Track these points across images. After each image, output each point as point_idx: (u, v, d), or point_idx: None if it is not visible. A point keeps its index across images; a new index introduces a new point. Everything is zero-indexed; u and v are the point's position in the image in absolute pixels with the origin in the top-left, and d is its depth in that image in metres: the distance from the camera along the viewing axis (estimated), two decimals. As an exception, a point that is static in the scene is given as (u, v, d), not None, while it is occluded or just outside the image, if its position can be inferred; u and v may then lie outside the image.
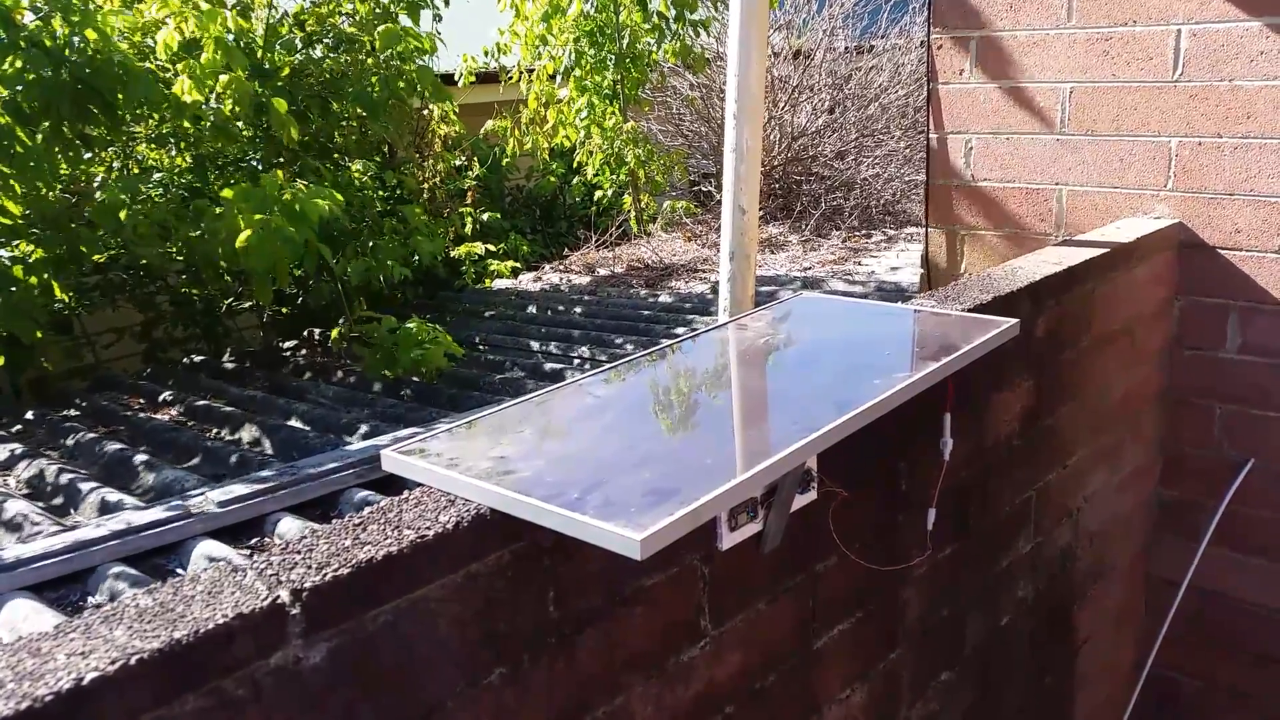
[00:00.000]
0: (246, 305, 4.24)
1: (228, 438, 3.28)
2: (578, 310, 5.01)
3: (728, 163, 2.34)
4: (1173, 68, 2.57)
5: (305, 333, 4.82)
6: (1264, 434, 2.61)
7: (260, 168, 4.35)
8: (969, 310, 1.83)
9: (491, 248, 6.43)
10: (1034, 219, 2.89)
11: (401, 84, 4.61)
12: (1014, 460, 2.09)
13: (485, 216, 7.02)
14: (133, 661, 0.87)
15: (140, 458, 2.96)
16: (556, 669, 1.23)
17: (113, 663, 0.87)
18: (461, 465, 1.18)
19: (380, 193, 5.18)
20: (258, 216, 3.35)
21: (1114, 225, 2.65)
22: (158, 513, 2.49)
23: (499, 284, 6.13)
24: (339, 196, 3.70)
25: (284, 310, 4.78)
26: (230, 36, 4.01)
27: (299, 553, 1.05)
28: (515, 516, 1.10)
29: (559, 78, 7.42)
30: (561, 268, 6.51)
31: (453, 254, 6.19)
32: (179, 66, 3.93)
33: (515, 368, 3.90)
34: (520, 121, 7.59)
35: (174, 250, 4.11)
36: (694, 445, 1.31)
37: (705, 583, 1.42)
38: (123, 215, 3.75)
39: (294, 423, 3.28)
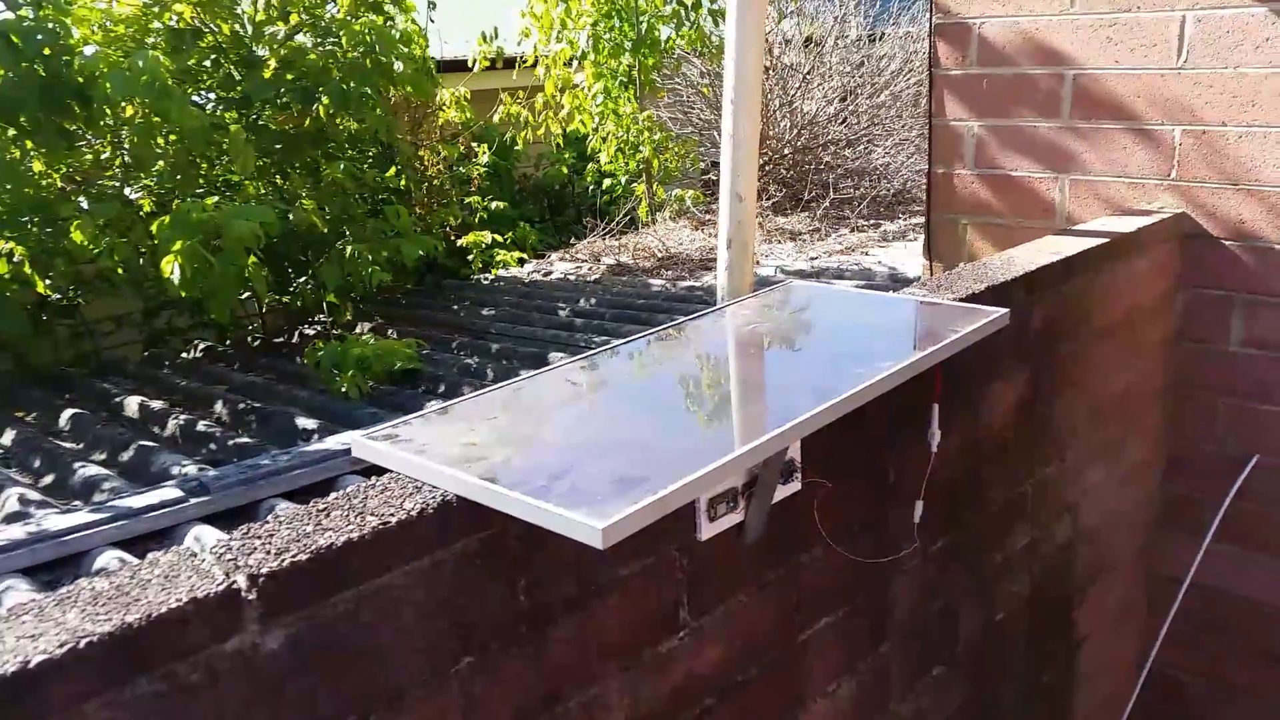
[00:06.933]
0: (245, 295, 4.25)
1: (227, 423, 3.28)
2: (582, 300, 5.00)
3: (725, 150, 2.31)
4: (1177, 54, 2.53)
5: (306, 323, 4.83)
6: (1268, 429, 2.57)
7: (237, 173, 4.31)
8: (960, 300, 1.80)
9: (499, 237, 6.41)
10: (1036, 208, 2.85)
11: (380, 79, 4.56)
12: (1008, 453, 2.06)
13: (493, 205, 7.00)
14: (81, 644, 0.87)
15: (138, 443, 2.97)
16: (527, 658, 1.21)
17: (61, 645, 0.86)
18: (430, 451, 1.16)
19: (367, 191, 5.12)
20: (179, 245, 3.30)
21: (1115, 215, 2.62)
22: (153, 497, 2.49)
23: (506, 273, 6.12)
24: (271, 214, 3.64)
25: (283, 300, 4.78)
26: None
27: (259, 538, 1.03)
28: (482, 504, 1.09)
29: (575, 63, 7.38)
30: (568, 257, 6.49)
31: (459, 243, 6.18)
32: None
33: (515, 357, 3.89)
34: (534, 107, 7.56)
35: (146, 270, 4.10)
36: (669, 433, 1.29)
37: (684, 573, 1.41)
38: (98, 246, 3.74)
39: (294, 409, 3.28)
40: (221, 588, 0.95)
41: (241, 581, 0.96)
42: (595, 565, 1.27)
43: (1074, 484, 2.34)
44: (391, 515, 1.06)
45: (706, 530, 1.40)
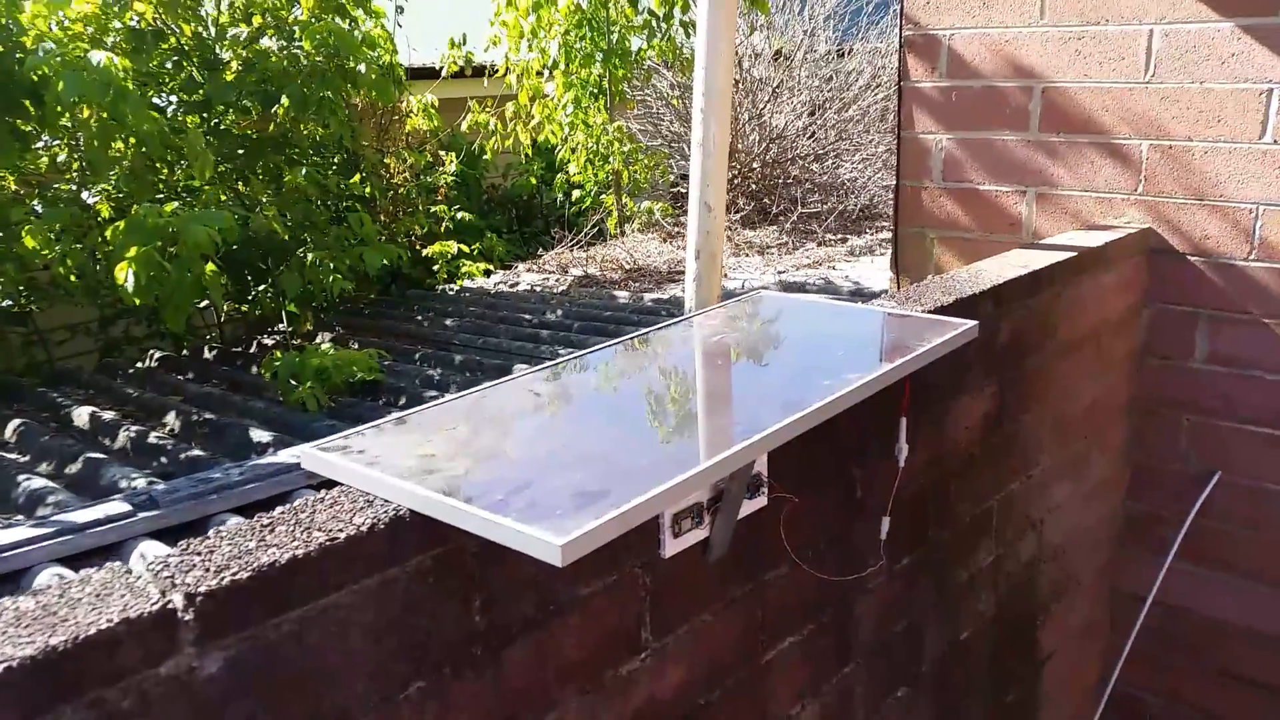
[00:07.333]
0: (203, 304, 4.14)
1: (179, 435, 3.19)
2: (548, 311, 4.95)
3: (694, 159, 2.28)
4: (1144, 69, 2.54)
5: (265, 333, 4.74)
6: (1231, 446, 2.58)
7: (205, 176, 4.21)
8: (929, 312, 1.78)
9: (465, 248, 6.34)
10: (1003, 222, 2.85)
11: (343, 83, 4.48)
12: (975, 469, 2.04)
13: (460, 215, 6.93)
14: (-1, 670, 0.81)
15: (87, 455, 2.88)
16: (482, 681, 1.16)
17: (-24, 672, 0.80)
18: (383, 464, 1.11)
19: (330, 197, 5.03)
20: (134, 251, 3.21)
21: (1083, 230, 2.62)
22: (99, 512, 2.40)
23: (473, 283, 6.05)
24: (230, 219, 3.57)
25: (242, 309, 4.69)
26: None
27: (199, 554, 0.98)
28: (437, 519, 1.04)
29: (546, 72, 7.34)
30: (535, 268, 6.44)
31: (425, 253, 6.10)
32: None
33: (479, 369, 3.83)
34: (503, 115, 7.51)
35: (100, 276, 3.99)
36: (633, 446, 1.25)
37: (647, 591, 1.36)
38: (51, 252, 3.64)
39: (250, 421, 3.20)
40: (156, 608, 0.90)
41: (178, 601, 0.91)
42: (555, 583, 1.23)
43: (1040, 500, 2.33)
44: (340, 531, 1.01)
45: (670, 547, 1.36)
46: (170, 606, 0.90)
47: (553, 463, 1.18)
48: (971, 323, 1.60)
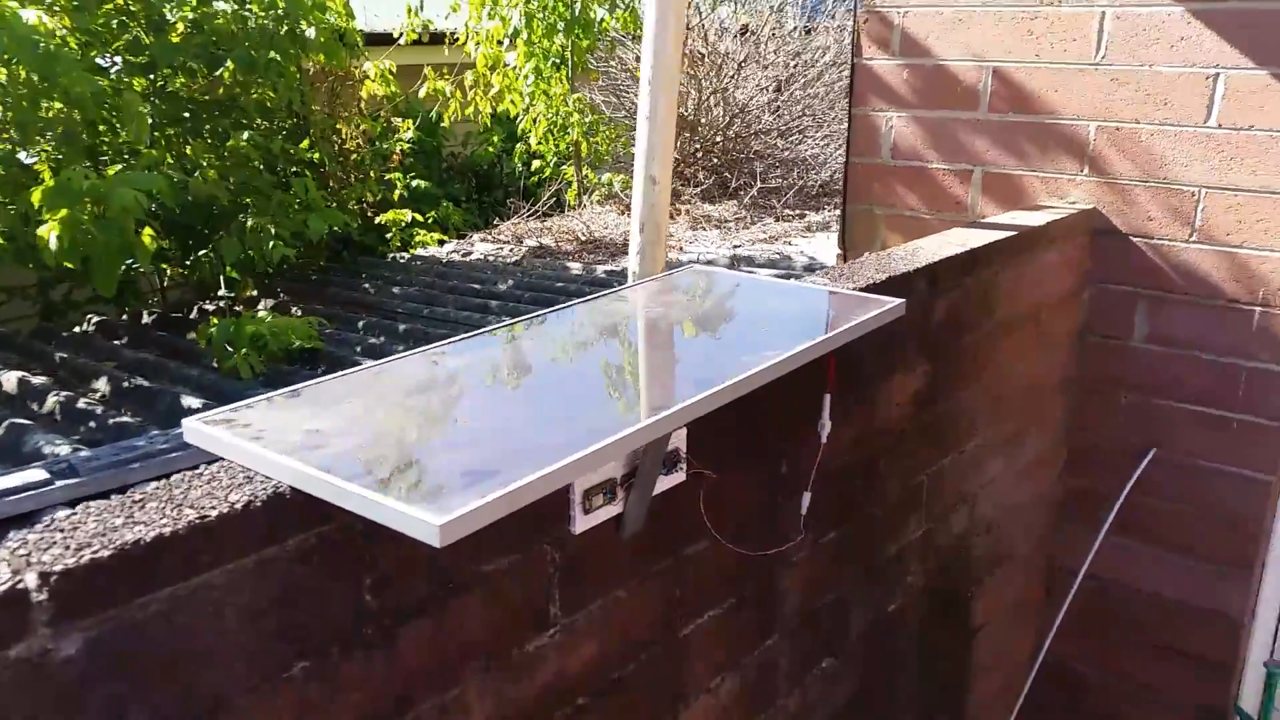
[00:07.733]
0: (147, 268, 4.04)
1: (109, 401, 3.11)
2: (499, 281, 4.89)
3: (640, 131, 2.23)
4: (1096, 50, 2.52)
5: (207, 299, 4.63)
6: (1166, 424, 2.59)
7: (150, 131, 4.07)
8: (861, 289, 1.75)
9: (419, 216, 6.24)
10: (949, 201, 2.83)
11: (292, 46, 4.36)
12: (906, 445, 2.03)
13: (416, 183, 6.82)
14: None
15: (12, 420, 2.79)
16: (374, 661, 1.13)
17: None
18: (267, 438, 1.06)
19: (276, 161, 4.91)
20: (63, 213, 3.12)
21: (1028, 209, 2.60)
22: (17, 479, 2.33)
23: (425, 252, 5.96)
24: (162, 182, 3.47)
25: (184, 273, 4.58)
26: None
27: (61, 531, 0.93)
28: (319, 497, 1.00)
29: (507, 42, 7.22)
30: (490, 237, 6.35)
31: (378, 220, 6.00)
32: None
33: (424, 339, 3.77)
34: (462, 83, 7.39)
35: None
36: (538, 421, 1.21)
37: (556, 568, 1.33)
38: None
39: (183, 388, 3.12)
40: (5, 588, 0.85)
41: (30, 580, 0.86)
42: (456, 561, 1.19)
43: (973, 476, 2.32)
44: (213, 508, 0.97)
45: (581, 523, 1.33)
46: (21, 586, 0.86)
47: (449, 439, 1.14)
48: (898, 301, 1.58)
